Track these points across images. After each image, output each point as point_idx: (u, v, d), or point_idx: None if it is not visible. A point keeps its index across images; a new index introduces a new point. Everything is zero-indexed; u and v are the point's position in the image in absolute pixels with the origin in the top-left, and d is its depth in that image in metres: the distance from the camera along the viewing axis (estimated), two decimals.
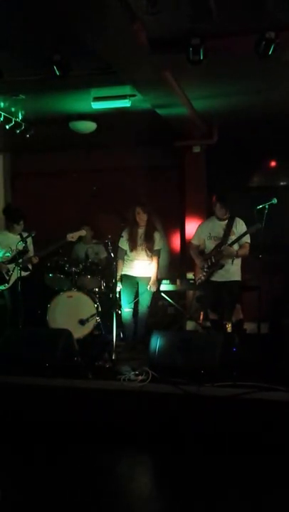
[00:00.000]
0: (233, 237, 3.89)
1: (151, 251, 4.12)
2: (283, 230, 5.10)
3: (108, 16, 2.54)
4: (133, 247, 4.09)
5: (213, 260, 3.92)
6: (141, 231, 4.12)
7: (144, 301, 4.20)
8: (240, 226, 3.94)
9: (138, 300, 4.21)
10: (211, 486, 2.47)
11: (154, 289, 4.15)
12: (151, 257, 4.14)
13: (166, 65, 3.39)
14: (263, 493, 2.37)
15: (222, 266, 3.90)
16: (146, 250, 4.09)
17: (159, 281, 4.51)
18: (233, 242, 3.87)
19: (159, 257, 4.22)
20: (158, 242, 4.18)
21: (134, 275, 4.13)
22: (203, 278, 3.98)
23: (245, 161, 5.27)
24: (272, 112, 4.54)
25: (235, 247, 3.92)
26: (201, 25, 2.88)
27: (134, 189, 5.41)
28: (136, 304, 4.24)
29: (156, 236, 4.17)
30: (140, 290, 4.17)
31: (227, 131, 5.10)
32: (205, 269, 3.96)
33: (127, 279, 4.11)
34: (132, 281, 4.14)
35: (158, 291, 4.46)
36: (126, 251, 4.14)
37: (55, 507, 2.26)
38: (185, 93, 4.01)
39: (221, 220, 3.98)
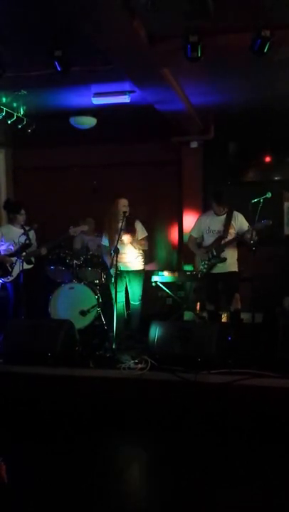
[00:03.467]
0: (232, 231, 3.94)
1: (136, 242, 4.07)
2: (277, 222, 5.20)
3: (108, 13, 2.60)
4: (113, 241, 4.00)
5: (215, 253, 3.96)
6: (121, 225, 3.98)
7: (135, 294, 4.19)
8: (239, 220, 3.98)
9: (128, 293, 4.21)
10: (208, 467, 2.56)
11: (129, 240, 3.98)
12: (137, 248, 4.09)
13: (165, 62, 3.45)
14: (258, 474, 2.48)
15: (224, 259, 3.93)
16: (130, 243, 4.04)
17: (152, 272, 4.55)
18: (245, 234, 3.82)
19: (145, 243, 4.16)
20: (141, 232, 4.11)
21: (122, 269, 4.08)
22: (204, 270, 4.02)
23: (241, 156, 5.35)
24: (268, 108, 4.62)
25: (231, 237, 3.93)
26: (199, 22, 2.94)
27: (133, 184, 5.49)
28: (127, 297, 4.25)
29: (137, 226, 4.10)
30: (129, 283, 4.17)
31: (223, 127, 5.17)
32: (206, 262, 4.01)
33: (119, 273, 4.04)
34: (121, 275, 4.10)
35: (150, 282, 4.48)
36: (108, 247, 4.10)
37: (58, 490, 2.34)
38: (183, 89, 4.08)
39: (219, 215, 4.05)
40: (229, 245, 3.95)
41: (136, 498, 2.33)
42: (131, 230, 4.03)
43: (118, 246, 3.96)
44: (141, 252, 4.18)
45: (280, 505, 2.21)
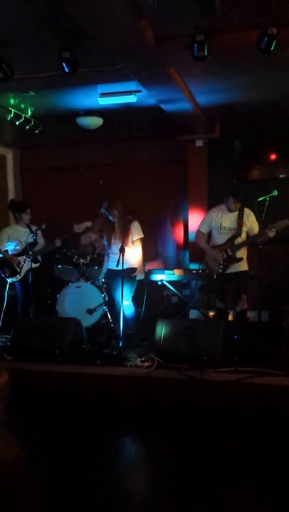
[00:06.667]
0: (244, 229, 3.87)
1: (130, 243, 4.05)
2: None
3: (115, 13, 2.61)
4: (111, 241, 4.07)
5: (230, 253, 3.87)
6: (117, 226, 4.05)
7: (126, 294, 4.07)
8: (251, 218, 3.91)
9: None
10: (212, 463, 2.59)
11: (141, 276, 4.06)
12: (131, 248, 4.07)
13: (172, 61, 3.46)
14: (259, 470, 2.50)
15: (241, 259, 3.87)
16: (124, 243, 3.98)
17: (157, 271, 4.57)
18: (258, 237, 3.78)
19: (141, 246, 4.13)
20: (136, 232, 4.08)
21: (116, 268, 4.04)
22: (220, 271, 3.90)
23: (246, 155, 5.34)
24: (273, 107, 4.60)
25: (243, 235, 3.91)
26: (205, 21, 2.94)
27: (139, 183, 5.52)
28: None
29: (133, 227, 4.07)
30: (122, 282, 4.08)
31: (229, 126, 5.17)
32: (222, 263, 3.89)
33: (111, 273, 4.11)
34: (116, 275, 4.07)
35: (155, 281, 4.49)
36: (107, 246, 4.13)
37: (59, 489, 2.36)
38: (189, 88, 4.09)
39: (233, 211, 3.93)
40: (244, 245, 3.88)
41: (138, 498, 2.34)
42: (124, 232, 4.02)
43: (113, 247, 4.07)
44: (136, 251, 4.12)
45: (283, 502, 2.22)
